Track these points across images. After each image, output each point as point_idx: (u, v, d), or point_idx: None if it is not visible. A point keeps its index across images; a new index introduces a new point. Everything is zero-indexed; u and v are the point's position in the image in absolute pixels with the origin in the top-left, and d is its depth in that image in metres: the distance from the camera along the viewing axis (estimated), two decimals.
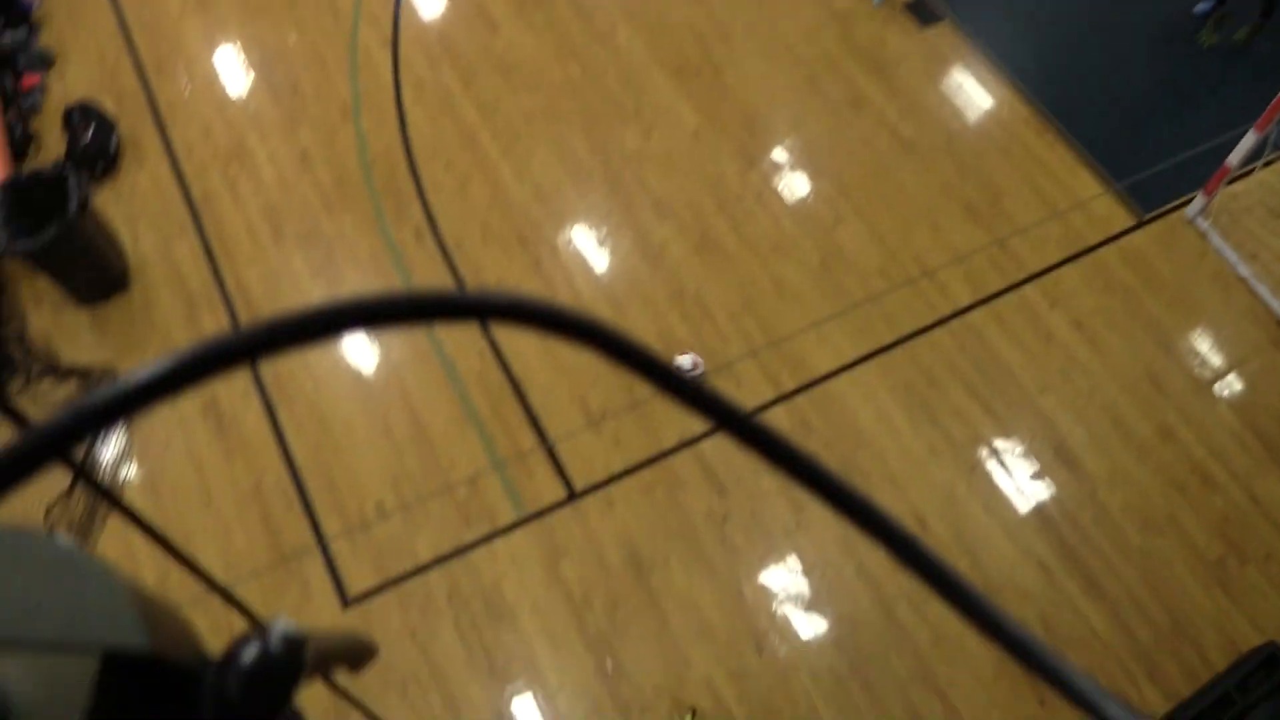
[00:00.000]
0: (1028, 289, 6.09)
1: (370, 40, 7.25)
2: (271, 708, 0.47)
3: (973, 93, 6.95)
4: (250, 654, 0.46)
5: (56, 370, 5.61)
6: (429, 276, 6.18)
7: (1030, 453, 5.57)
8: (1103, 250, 6.22)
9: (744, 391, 5.78)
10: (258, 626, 0.49)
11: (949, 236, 6.28)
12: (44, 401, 5.58)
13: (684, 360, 5.77)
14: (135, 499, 5.45)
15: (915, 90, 6.94)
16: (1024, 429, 5.64)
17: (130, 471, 5.53)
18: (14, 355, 5.63)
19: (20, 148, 6.55)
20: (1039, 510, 5.40)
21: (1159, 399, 5.69)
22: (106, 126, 6.54)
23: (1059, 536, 5.32)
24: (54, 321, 5.96)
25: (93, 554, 0.38)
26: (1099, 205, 6.36)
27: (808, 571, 5.28)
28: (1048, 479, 5.49)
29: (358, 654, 0.61)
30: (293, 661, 0.47)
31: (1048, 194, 6.45)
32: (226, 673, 0.46)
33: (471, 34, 7.27)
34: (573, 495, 5.51)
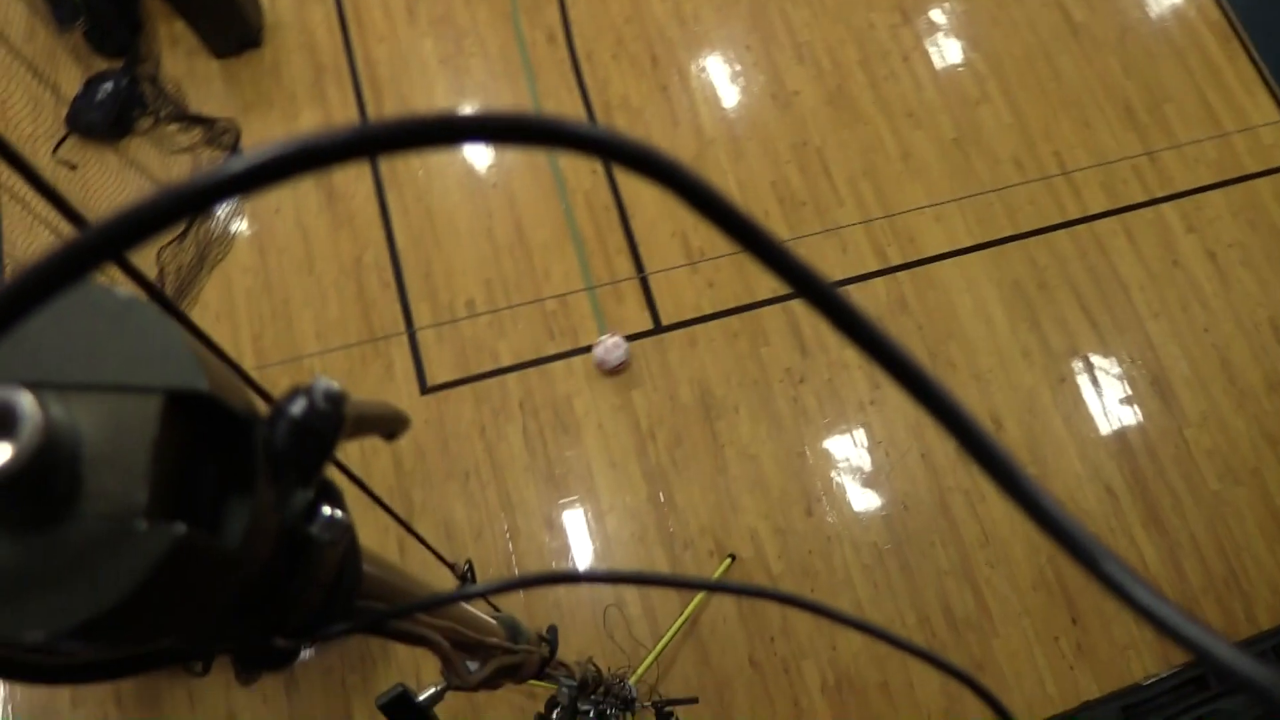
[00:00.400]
0: (1167, 207, 5.77)
1: None
2: (316, 456, 0.51)
3: None
4: (296, 406, 0.49)
5: (184, 116, 5.74)
6: (554, 84, 6.09)
7: (1126, 376, 5.41)
8: (1260, 181, 5.83)
9: (848, 257, 5.67)
10: (298, 386, 0.52)
11: (1097, 136, 5.94)
12: (168, 145, 5.74)
13: (601, 348, 5.32)
14: (243, 253, 5.65)
15: None
16: (1125, 351, 5.46)
17: (242, 226, 5.71)
18: (145, 94, 5.76)
19: None
20: (1120, 435, 5.29)
21: (1276, 349, 5.44)
22: None
23: (1133, 465, 5.23)
24: (187, 67, 6.05)
25: (148, 303, 0.41)
26: (1269, 133, 5.92)
27: (872, 448, 5.30)
28: (1137, 406, 5.34)
29: (391, 421, 0.65)
30: (335, 413, 0.50)
31: (1216, 110, 6.01)
32: (275, 422, 0.49)
33: None
34: (658, 328, 5.55)
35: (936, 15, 6.31)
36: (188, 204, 0.31)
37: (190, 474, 0.43)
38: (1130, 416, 5.33)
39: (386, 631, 0.86)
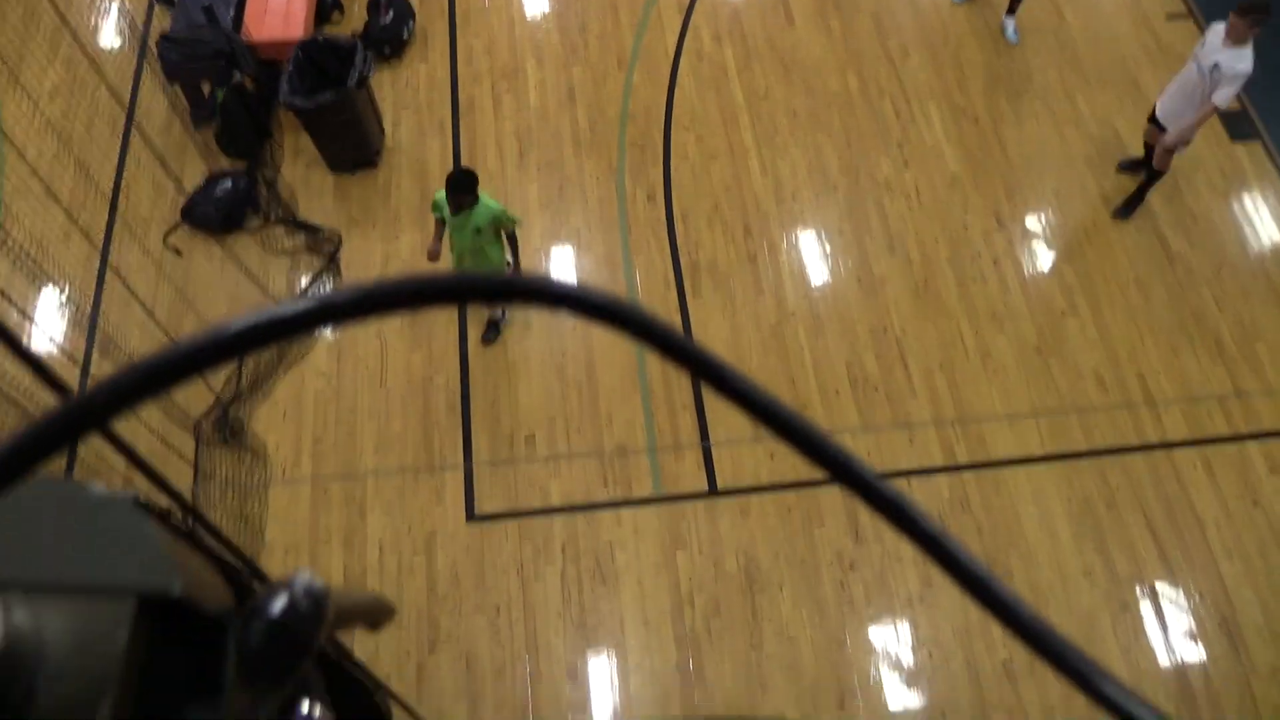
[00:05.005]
0: (1251, 446, 5.59)
1: (666, 2, 7.36)
2: (293, 656, 0.48)
3: (1265, 226, 6.40)
4: (274, 604, 0.47)
5: (292, 221, 6.01)
6: (646, 239, 6.26)
7: (1193, 614, 5.14)
8: None
9: (914, 449, 5.59)
10: (279, 581, 0.49)
11: (1184, 366, 5.84)
12: (272, 245, 5.99)
13: None
14: (320, 356, 5.80)
15: (1199, 203, 6.45)
16: (1195, 588, 5.21)
17: (325, 330, 5.86)
18: (260, 196, 6.06)
19: (325, 13, 7.00)
20: (1180, 675, 4.99)
21: None
22: (405, 14, 6.91)
23: (1194, 711, 4.90)
24: (303, 177, 6.38)
25: (124, 502, 0.39)
26: None
27: (916, 648, 5.07)
28: (1203, 647, 5.05)
29: (376, 612, 0.62)
30: (315, 612, 0.48)
31: None
32: (251, 621, 0.47)
33: (765, 22, 7.25)
34: (713, 492, 5.48)
35: (1031, 224, 6.38)
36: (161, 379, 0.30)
37: (160, 674, 0.41)
38: (1194, 656, 5.04)
39: None
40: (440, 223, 5.07)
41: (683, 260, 6.20)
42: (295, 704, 0.54)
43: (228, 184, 5.95)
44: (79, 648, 0.36)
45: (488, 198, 4.88)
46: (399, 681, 4.84)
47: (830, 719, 4.89)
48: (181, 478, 5.16)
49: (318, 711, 0.55)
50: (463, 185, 4.68)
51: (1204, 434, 5.63)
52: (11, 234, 4.65)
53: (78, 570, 0.37)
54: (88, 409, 0.29)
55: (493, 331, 5.83)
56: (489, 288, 0.31)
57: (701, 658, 5.04)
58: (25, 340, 5.45)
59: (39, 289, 5.43)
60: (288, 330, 0.30)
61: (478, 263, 5.04)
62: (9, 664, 0.33)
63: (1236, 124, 6.72)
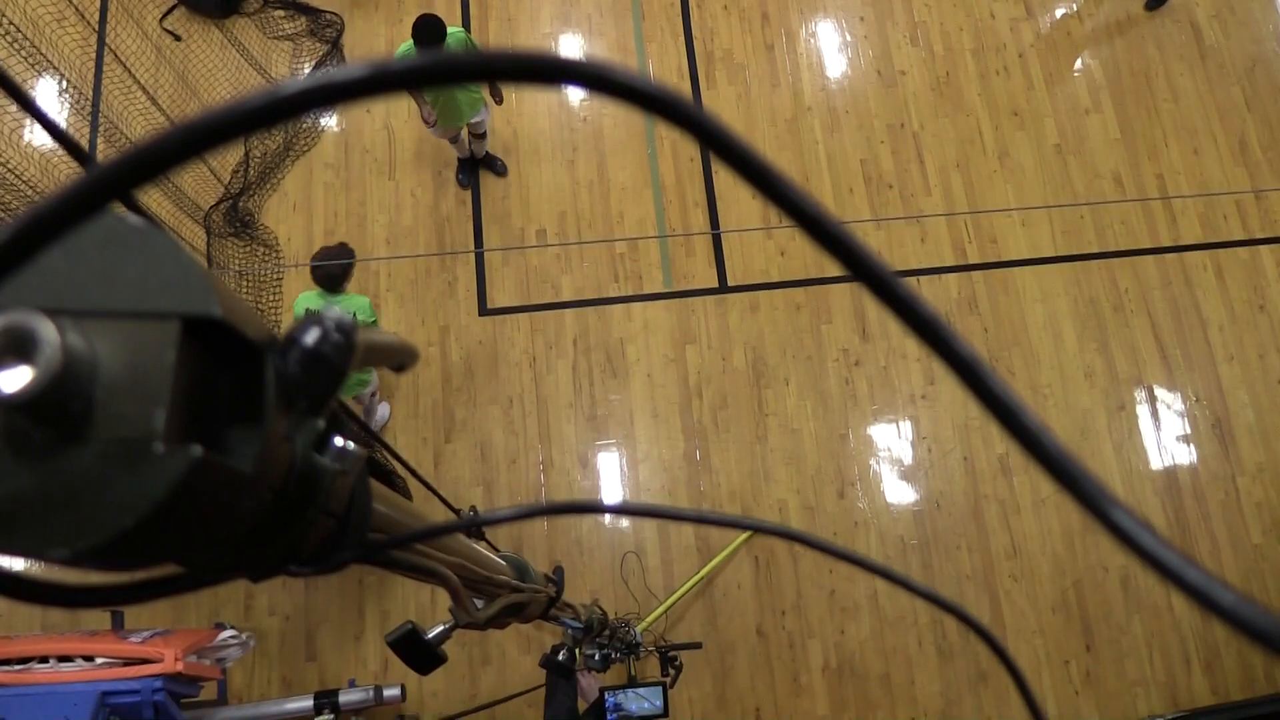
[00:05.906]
0: (1264, 251, 5.58)
1: None
2: (327, 384, 0.52)
3: None
4: (309, 335, 0.51)
5: (291, 3, 5.76)
6: (660, 25, 6.02)
7: (1188, 415, 5.28)
8: None
9: (925, 248, 5.58)
10: (312, 315, 0.53)
11: (1205, 166, 5.74)
12: (271, 29, 5.78)
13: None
14: (328, 148, 5.70)
15: None
16: (1192, 389, 5.33)
17: (331, 121, 5.76)
18: None
19: None
20: (1170, 473, 5.19)
21: None
22: None
23: (1178, 505, 5.13)
24: None
25: (162, 230, 0.42)
26: None
27: (916, 442, 5.25)
28: (1194, 447, 5.23)
29: (401, 354, 0.67)
30: (346, 342, 0.52)
31: None
32: (288, 350, 0.51)
33: None
34: (723, 287, 5.52)
35: (1062, 13, 6.11)
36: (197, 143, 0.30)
37: (204, 399, 0.44)
38: (1184, 456, 5.22)
39: (397, 563, 0.87)
40: None
41: (697, 49, 5.99)
42: (329, 437, 0.60)
43: None
44: (129, 367, 0.40)
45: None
46: (416, 467, 5.05)
47: (830, 507, 5.13)
48: None
49: (350, 445, 0.61)
50: (435, 30, 4.40)
51: (1218, 238, 5.61)
52: (5, 14, 4.48)
53: (122, 295, 0.40)
54: (143, 158, 0.30)
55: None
56: (572, 68, 0.32)
57: (708, 448, 5.23)
58: (27, 130, 5.36)
59: (37, 74, 5.29)
60: (343, 95, 0.31)
61: (465, 98, 4.88)
62: (67, 381, 0.37)
63: None
